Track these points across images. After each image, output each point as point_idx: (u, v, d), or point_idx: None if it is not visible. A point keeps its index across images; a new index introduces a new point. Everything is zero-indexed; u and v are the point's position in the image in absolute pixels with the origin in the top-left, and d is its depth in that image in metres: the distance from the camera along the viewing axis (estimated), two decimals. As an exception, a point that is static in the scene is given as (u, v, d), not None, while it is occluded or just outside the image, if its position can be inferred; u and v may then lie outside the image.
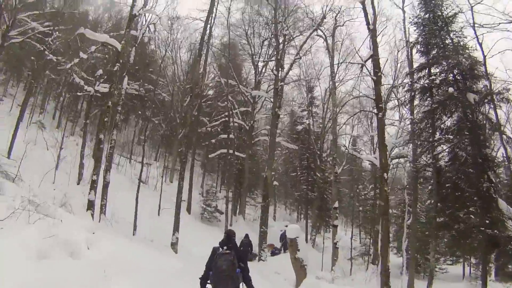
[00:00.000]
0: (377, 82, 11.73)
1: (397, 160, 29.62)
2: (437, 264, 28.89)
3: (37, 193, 12.96)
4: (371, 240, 33.99)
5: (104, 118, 19.28)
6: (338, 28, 29.62)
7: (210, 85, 45.93)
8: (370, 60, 16.76)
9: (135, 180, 31.32)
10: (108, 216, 20.17)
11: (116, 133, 23.15)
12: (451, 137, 20.25)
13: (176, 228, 20.70)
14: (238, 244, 23.09)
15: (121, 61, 20.06)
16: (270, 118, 35.78)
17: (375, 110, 18.68)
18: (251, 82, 42.33)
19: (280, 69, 23.95)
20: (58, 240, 8.95)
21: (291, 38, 28.24)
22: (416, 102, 24.00)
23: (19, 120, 22.72)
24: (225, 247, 7.38)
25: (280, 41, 26.57)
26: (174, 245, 20.35)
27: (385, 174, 11.07)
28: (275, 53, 29.12)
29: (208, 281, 7.29)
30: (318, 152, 40.07)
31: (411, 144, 25.47)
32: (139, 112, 39.54)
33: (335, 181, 26.66)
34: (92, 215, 17.15)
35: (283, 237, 29.05)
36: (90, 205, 17.60)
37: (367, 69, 15.08)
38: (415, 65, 23.99)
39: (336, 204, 25.80)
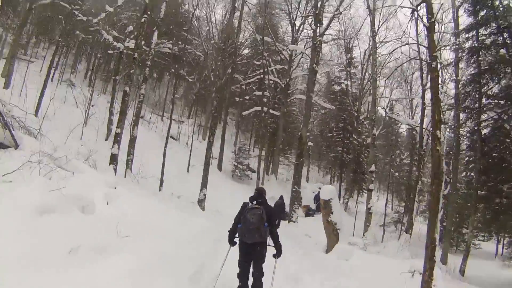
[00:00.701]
0: (430, 29, 10.47)
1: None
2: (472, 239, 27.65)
3: (61, 148, 12.38)
4: (405, 208, 32.66)
5: (130, 70, 18.32)
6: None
7: (245, 43, 45.00)
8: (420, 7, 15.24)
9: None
10: (135, 171, 19.69)
11: (145, 87, 22.24)
12: (501, 102, 18.74)
13: (204, 185, 20.07)
14: (272, 205, 22.92)
15: (148, 12, 19.10)
16: (306, 77, 35.08)
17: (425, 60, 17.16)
18: (287, 41, 40.87)
19: (318, 24, 22.51)
20: (68, 193, 8.11)
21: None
22: (461, 65, 22.40)
23: (47, 78, 22.42)
24: (254, 202, 7.37)
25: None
26: (201, 202, 19.75)
27: (438, 132, 9.86)
28: (313, 9, 27.55)
29: (236, 235, 7.35)
30: (356, 114, 38.84)
31: (453, 110, 24.05)
32: (172, 70, 38.47)
33: (373, 144, 25.35)
34: (115, 169, 16.42)
35: (317, 198, 29.02)
36: (113, 159, 16.90)
37: (418, 15, 13.61)
38: (461, 27, 22.26)
39: (373, 168, 24.61)
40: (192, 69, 41.58)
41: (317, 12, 22.52)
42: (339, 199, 36.31)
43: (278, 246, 7.44)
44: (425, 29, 14.38)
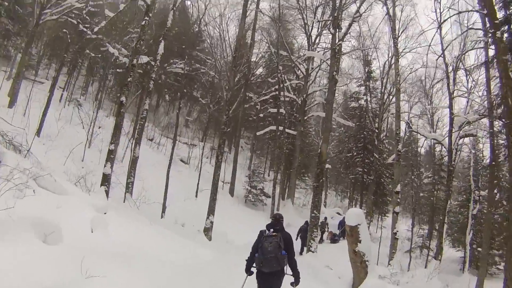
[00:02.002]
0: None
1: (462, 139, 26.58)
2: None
3: (57, 168, 12.12)
4: (429, 231, 30.93)
5: (127, 79, 16.47)
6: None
7: (259, 62, 43.76)
8: None
9: (177, 160, 29.63)
10: (135, 196, 18.00)
11: (149, 102, 20.52)
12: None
13: (211, 211, 17.90)
14: (297, 231, 22.86)
15: (150, 15, 17.38)
16: (324, 92, 34.67)
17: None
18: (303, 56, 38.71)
19: (337, 29, 20.60)
20: (24, 215, 6.46)
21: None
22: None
23: (50, 96, 21.58)
24: (271, 230, 7.23)
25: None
26: (207, 231, 17.51)
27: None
28: (331, 14, 25.81)
29: (254, 264, 7.20)
30: (377, 131, 36.58)
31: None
32: (185, 90, 37.05)
33: (398, 162, 23.24)
34: (107, 191, 14.26)
35: (342, 224, 27.60)
36: (105, 180, 14.67)
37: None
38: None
39: (398, 188, 22.50)
40: (206, 90, 39.99)
41: (335, 14, 20.53)
42: (363, 224, 34.11)
43: (296, 274, 7.26)
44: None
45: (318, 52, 35.50)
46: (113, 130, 15.79)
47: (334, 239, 27.81)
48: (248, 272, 7.38)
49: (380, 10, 73.46)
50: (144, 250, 9.70)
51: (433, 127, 37.32)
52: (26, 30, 27.56)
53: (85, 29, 25.80)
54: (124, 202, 16.98)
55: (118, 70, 30.32)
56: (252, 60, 40.50)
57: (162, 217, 17.64)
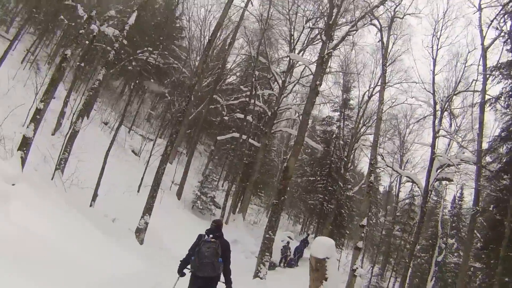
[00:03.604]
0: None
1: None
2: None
3: None
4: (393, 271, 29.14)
5: (79, 31, 13.86)
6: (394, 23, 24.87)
7: (233, 69, 41.89)
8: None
9: (128, 150, 27.29)
10: (67, 176, 15.38)
11: (104, 73, 17.81)
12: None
13: (147, 210, 14.98)
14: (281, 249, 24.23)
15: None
16: (294, 111, 33.10)
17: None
18: (283, 68, 36.67)
19: (329, 39, 18.53)
20: None
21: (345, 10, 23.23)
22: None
23: (8, 49, 19.62)
24: (211, 235, 7.23)
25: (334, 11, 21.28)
26: (139, 232, 14.57)
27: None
28: (325, 22, 23.92)
29: (188, 267, 7.27)
30: (345, 159, 34.65)
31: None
32: (152, 80, 34.82)
33: (368, 193, 21.18)
34: (23, 158, 11.37)
35: (298, 249, 28.62)
36: (24, 144, 11.66)
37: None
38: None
39: (365, 222, 20.37)
40: (175, 88, 37.77)
41: (330, 22, 18.42)
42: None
43: (228, 283, 7.42)
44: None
45: (298, 66, 33.82)
46: (47, 86, 13.02)
47: (290, 263, 26.94)
48: (181, 273, 7.42)
49: (368, 39, 73.33)
50: (49, 244, 7.34)
51: (401, 166, 35.76)
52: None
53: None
54: (52, 179, 14.45)
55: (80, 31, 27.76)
56: (227, 66, 39.24)
57: (91, 205, 14.82)
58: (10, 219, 7.01)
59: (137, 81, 34.29)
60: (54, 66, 29.40)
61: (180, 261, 7.43)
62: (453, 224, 31.95)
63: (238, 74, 43.33)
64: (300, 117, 22.62)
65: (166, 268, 11.06)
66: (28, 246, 6.64)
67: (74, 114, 19.34)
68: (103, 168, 15.89)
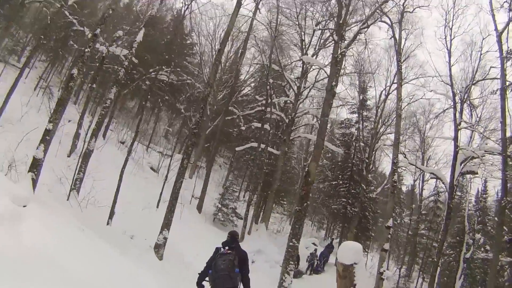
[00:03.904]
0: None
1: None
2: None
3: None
4: (420, 271, 28.37)
5: (85, 49, 13.62)
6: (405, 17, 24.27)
7: (247, 80, 41.65)
8: None
9: (146, 168, 27.05)
10: (83, 196, 15.20)
11: (115, 92, 17.63)
12: None
13: (166, 225, 14.49)
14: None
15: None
16: (312, 115, 33.40)
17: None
18: (297, 74, 36.40)
19: (341, 39, 18.04)
20: None
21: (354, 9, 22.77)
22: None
23: (19, 77, 19.49)
24: (227, 247, 7.25)
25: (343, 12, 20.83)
26: (158, 248, 14.10)
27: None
28: (334, 20, 23.56)
29: (207, 279, 7.22)
30: (367, 161, 33.98)
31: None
32: (166, 98, 34.64)
33: (393, 193, 20.50)
34: (34, 180, 11.10)
35: (324, 254, 28.85)
36: (34, 165, 11.53)
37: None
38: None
39: (390, 223, 19.64)
40: (190, 104, 37.70)
41: (340, 22, 17.92)
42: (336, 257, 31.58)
43: None
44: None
45: (312, 70, 33.40)
46: (55, 106, 12.79)
47: (317, 270, 27.01)
48: (199, 286, 7.43)
49: (381, 36, 72.43)
50: (58, 265, 7.02)
51: (423, 164, 35.07)
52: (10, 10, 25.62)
53: (70, 17, 24.55)
54: (67, 200, 14.31)
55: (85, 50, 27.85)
56: (240, 78, 39.30)
57: (108, 223, 14.47)
58: (21, 240, 6.82)
59: (150, 99, 34.44)
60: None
61: (198, 274, 7.43)
62: (479, 219, 31.05)
63: (252, 84, 42.99)
64: (319, 121, 22.17)
65: (187, 283, 10.73)
66: (38, 267, 6.40)
67: (86, 134, 19.18)
68: (119, 185, 15.57)
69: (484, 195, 34.25)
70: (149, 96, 33.30)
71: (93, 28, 24.39)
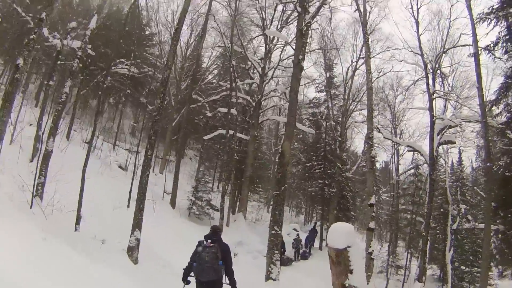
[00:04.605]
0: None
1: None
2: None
3: None
4: (408, 250, 29.05)
5: (30, 36, 12.48)
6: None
7: (210, 67, 41.53)
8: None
9: (114, 167, 26.00)
10: (47, 201, 13.92)
11: (71, 85, 16.57)
12: None
13: (136, 225, 13.32)
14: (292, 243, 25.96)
15: None
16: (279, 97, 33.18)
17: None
18: (260, 55, 35.74)
19: (304, 11, 17.28)
20: None
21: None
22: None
23: None
24: (209, 240, 7.49)
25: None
26: (132, 251, 12.91)
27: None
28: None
29: (192, 274, 7.49)
30: (340, 139, 33.44)
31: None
32: (128, 91, 33.51)
33: (372, 169, 19.97)
34: None
35: (309, 238, 28.94)
36: None
37: None
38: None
39: (373, 200, 19.04)
40: (154, 97, 36.85)
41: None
42: (321, 243, 31.06)
43: (232, 283, 7.62)
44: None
45: (276, 49, 32.83)
46: (1, 101, 11.67)
47: (304, 255, 27.11)
48: (185, 281, 7.66)
49: (344, 14, 72.59)
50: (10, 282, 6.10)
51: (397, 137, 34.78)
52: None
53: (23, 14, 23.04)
54: (30, 208, 13.00)
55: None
56: (203, 66, 39.11)
57: (76, 229, 13.34)
58: None
59: (113, 95, 33.37)
60: (25, 94, 28.18)
61: (183, 269, 7.69)
62: (459, 189, 30.89)
63: (215, 71, 42.52)
64: (287, 97, 21.45)
65: (166, 285, 10.03)
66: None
67: (43, 134, 18.01)
68: (82, 186, 14.25)
69: (460, 166, 34.14)
70: (110, 93, 32.31)
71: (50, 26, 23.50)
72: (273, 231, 14.76)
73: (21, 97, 23.55)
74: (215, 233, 7.76)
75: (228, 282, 7.62)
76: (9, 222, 8.74)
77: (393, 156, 34.82)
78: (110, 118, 37.08)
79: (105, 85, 32.48)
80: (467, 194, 31.10)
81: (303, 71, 18.39)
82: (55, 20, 27.37)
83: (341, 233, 7.73)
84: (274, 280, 13.78)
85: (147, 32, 39.13)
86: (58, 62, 21.62)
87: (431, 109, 22.62)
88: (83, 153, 23.66)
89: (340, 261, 7.70)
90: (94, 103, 39.13)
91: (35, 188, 14.01)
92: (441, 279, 25.12)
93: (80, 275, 7.94)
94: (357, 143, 57.54)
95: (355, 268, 7.70)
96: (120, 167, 27.70)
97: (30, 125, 20.60)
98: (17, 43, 26.49)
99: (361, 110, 35.11)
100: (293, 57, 19.58)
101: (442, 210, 26.38)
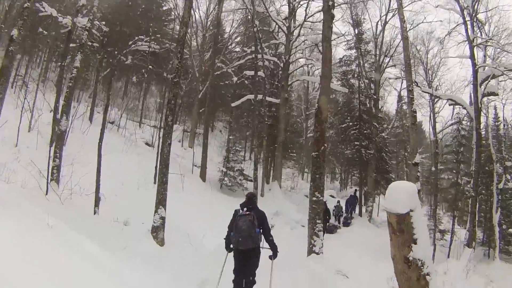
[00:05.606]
0: None
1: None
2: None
3: None
4: (453, 214, 27.12)
5: (24, 5, 11.28)
6: None
7: (232, 36, 40.77)
8: None
9: (140, 143, 25.24)
10: (64, 185, 13.24)
11: (80, 58, 15.39)
12: None
13: (160, 202, 11.92)
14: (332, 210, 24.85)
15: None
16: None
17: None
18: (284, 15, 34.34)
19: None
20: None
21: None
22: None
23: None
24: (245, 209, 7.54)
25: None
26: (157, 231, 11.52)
27: None
28: None
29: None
30: (375, 97, 31.68)
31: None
32: (150, 67, 32.37)
33: (414, 124, 18.20)
34: None
35: (337, 211, 26.51)
36: None
37: None
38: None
39: (418, 159, 17.46)
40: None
41: None
42: (361, 209, 29.80)
43: (273, 247, 7.72)
44: None
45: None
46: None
47: (346, 222, 25.87)
48: (228, 249, 7.77)
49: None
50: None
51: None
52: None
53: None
54: (46, 194, 12.16)
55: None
56: (225, 35, 39.17)
57: (95, 213, 12.14)
58: None
59: (136, 74, 32.79)
60: (45, 83, 27.30)
61: (224, 239, 7.84)
62: (504, 145, 28.72)
63: (238, 38, 41.34)
64: (320, 48, 19.67)
65: (198, 268, 9.53)
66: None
67: (52, 111, 17.09)
68: (99, 165, 12.93)
69: (500, 121, 31.93)
70: (132, 71, 31.64)
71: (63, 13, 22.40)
72: (314, 198, 13.05)
73: (36, 83, 22.83)
74: (250, 200, 7.79)
75: (267, 247, 7.74)
76: (15, 211, 7.58)
77: (431, 113, 32.93)
78: (135, 97, 36.92)
79: (125, 62, 31.90)
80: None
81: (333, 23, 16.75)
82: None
83: (402, 194, 5.84)
84: (318, 253, 12.12)
85: (164, 8, 38.85)
86: (71, 45, 20.73)
87: (472, 56, 20.82)
88: (106, 133, 22.99)
89: (402, 228, 6.07)
90: (118, 85, 38.58)
91: (49, 172, 12.96)
92: (486, 243, 23.41)
93: (89, 267, 6.71)
94: (389, 105, 55.89)
95: (419, 237, 6.08)
96: (146, 143, 27.34)
97: (51, 111, 19.79)
98: (31, 34, 25.84)
99: (394, 66, 33.30)
100: (318, 13, 18.13)
101: (486, 168, 24.43)
